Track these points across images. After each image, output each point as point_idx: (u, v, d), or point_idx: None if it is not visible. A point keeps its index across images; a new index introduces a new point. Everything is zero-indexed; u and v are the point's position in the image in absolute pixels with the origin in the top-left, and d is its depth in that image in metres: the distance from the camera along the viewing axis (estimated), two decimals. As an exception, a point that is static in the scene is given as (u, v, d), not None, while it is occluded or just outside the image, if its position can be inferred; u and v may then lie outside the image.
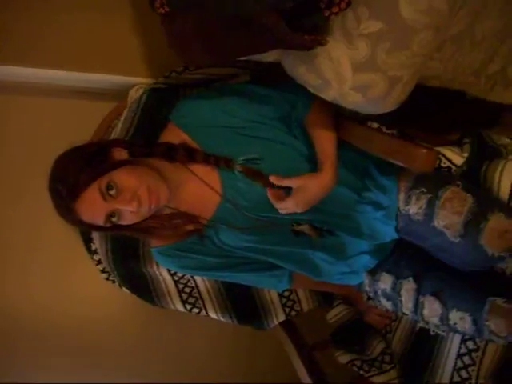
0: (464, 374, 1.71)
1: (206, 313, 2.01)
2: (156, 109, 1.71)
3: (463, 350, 1.73)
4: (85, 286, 2.08)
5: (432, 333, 1.66)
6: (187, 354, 2.50)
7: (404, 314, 1.68)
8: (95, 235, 1.86)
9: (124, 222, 1.41)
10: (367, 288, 1.76)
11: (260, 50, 1.28)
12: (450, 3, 1.13)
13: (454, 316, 1.53)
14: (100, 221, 1.38)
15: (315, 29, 1.19)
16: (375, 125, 1.54)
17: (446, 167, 1.57)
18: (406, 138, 1.54)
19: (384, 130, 1.54)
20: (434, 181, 1.54)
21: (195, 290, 2.00)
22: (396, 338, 1.97)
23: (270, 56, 1.37)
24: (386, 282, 1.68)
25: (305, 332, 2.10)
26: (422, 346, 1.85)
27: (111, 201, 1.36)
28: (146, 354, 2.37)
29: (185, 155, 1.52)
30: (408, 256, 1.69)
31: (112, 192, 1.35)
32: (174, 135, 1.56)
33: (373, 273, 1.72)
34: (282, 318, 2.06)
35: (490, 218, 1.44)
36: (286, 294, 2.07)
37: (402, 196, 1.58)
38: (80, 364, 2.19)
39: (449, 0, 1.13)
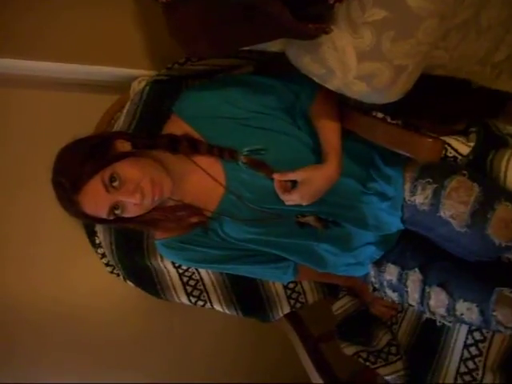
0: (471, 364, 1.71)
1: (211, 305, 2.01)
2: (159, 101, 1.70)
3: (470, 341, 1.73)
4: (87, 279, 2.07)
5: (438, 324, 1.65)
6: (191, 348, 2.49)
7: (410, 305, 1.67)
8: (99, 228, 1.86)
9: (127, 215, 1.40)
10: (373, 279, 1.75)
11: (264, 40, 1.27)
12: (455, -10, 1.13)
13: (461, 306, 1.52)
14: (103, 213, 1.37)
15: (320, 17, 1.18)
16: (380, 115, 1.53)
17: (451, 157, 1.56)
18: (411, 127, 1.53)
19: (389, 119, 1.53)
20: (440, 170, 1.53)
21: (200, 283, 1.99)
22: (402, 329, 1.97)
23: (273, 46, 1.37)
24: (391, 273, 1.68)
25: (310, 324, 2.09)
26: (429, 337, 1.85)
27: (114, 193, 1.35)
28: (150, 347, 2.37)
29: (188, 147, 1.51)
30: (414, 247, 1.69)
31: (115, 184, 1.34)
32: (177, 127, 1.55)
33: (378, 264, 1.72)
34: (287, 310, 2.06)
35: (497, 207, 1.43)
36: (291, 285, 2.07)
37: (407, 186, 1.57)
38: (83, 358, 2.18)
39: (454, -13, 1.12)
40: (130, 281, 1.93)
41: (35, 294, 1.97)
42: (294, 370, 2.20)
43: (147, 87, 1.71)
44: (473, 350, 1.71)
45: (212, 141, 1.53)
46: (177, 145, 1.51)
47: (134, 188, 1.36)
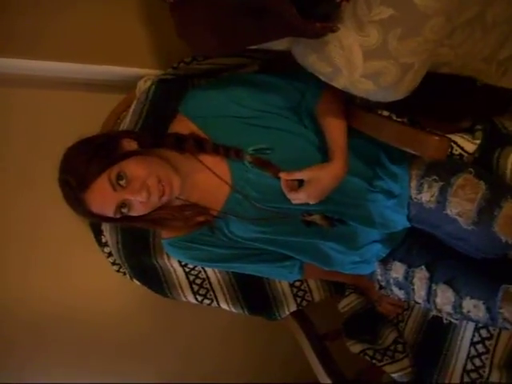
0: (477, 362, 1.71)
1: (218, 304, 2.01)
2: (165, 100, 1.71)
3: (476, 338, 1.73)
4: (93, 278, 2.07)
5: (445, 321, 1.65)
6: (198, 347, 2.49)
7: (416, 302, 1.68)
8: (105, 227, 1.86)
9: (134, 213, 1.41)
10: (379, 277, 1.75)
11: (271, 38, 1.27)
12: (461, -12, 1.13)
13: (468, 304, 1.52)
14: (110, 211, 1.38)
15: (326, 16, 1.18)
16: (386, 113, 1.53)
17: (457, 154, 1.57)
18: (417, 125, 1.53)
19: (394, 117, 1.53)
20: (446, 168, 1.53)
21: (206, 282, 2.00)
22: (408, 326, 1.97)
23: (280, 44, 1.36)
24: (398, 270, 1.68)
25: (316, 322, 2.09)
26: (435, 335, 1.85)
27: (121, 191, 1.35)
28: (156, 346, 2.37)
29: (194, 145, 1.51)
30: (420, 244, 1.69)
31: (122, 182, 1.35)
32: (183, 126, 1.55)
33: (385, 262, 1.72)
34: (293, 308, 2.06)
35: (504, 205, 1.43)
36: (297, 284, 2.07)
37: (413, 184, 1.57)
38: (89, 358, 2.19)
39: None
40: (137, 279, 1.93)
41: (36, 294, 1.97)
42: (300, 369, 2.20)
43: (153, 86, 1.71)
44: (479, 347, 1.71)
45: (218, 140, 1.53)
46: (183, 144, 1.51)
47: (141, 186, 1.36)
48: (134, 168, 1.37)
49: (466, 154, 1.56)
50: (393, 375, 1.91)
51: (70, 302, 2.04)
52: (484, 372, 1.69)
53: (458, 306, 1.55)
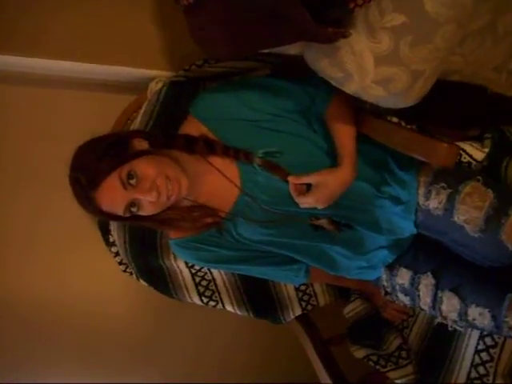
0: (482, 370, 1.71)
1: (223, 306, 2.01)
2: (176, 102, 1.71)
3: (481, 346, 1.72)
4: (97, 278, 2.09)
5: (450, 328, 1.65)
6: (203, 349, 2.50)
7: (422, 309, 1.68)
8: (113, 227, 1.87)
9: (143, 213, 1.42)
10: (385, 283, 1.75)
11: (284, 43, 1.28)
12: (474, -3, 1.13)
13: (473, 312, 1.52)
14: (120, 210, 1.38)
15: (339, 21, 1.19)
16: (395, 119, 1.54)
17: (466, 162, 1.57)
18: (426, 132, 1.54)
19: (403, 124, 1.53)
20: (455, 176, 1.53)
21: (212, 283, 2.00)
22: (413, 333, 1.96)
23: (292, 49, 1.37)
24: (403, 277, 1.68)
25: (321, 326, 2.09)
26: (440, 342, 1.85)
27: (131, 190, 1.36)
28: (162, 347, 2.38)
29: (204, 147, 1.52)
30: (426, 251, 1.69)
31: (132, 181, 1.36)
32: (193, 128, 1.56)
33: (391, 268, 1.72)
34: (298, 312, 2.06)
35: (511, 213, 1.43)
36: (303, 288, 2.07)
37: (421, 191, 1.58)
38: (94, 359, 2.20)
39: (474, -7, 1.13)
40: (143, 279, 1.94)
41: (41, 293, 1.98)
42: (305, 373, 2.20)
43: (164, 88, 1.72)
44: (484, 355, 1.71)
45: (228, 142, 1.54)
46: (193, 145, 1.52)
47: (150, 186, 1.37)
48: (145, 167, 1.38)
49: (474, 162, 1.56)
50: (396, 381, 1.91)
51: (72, 302, 2.04)
52: (488, 380, 1.68)
53: (463, 314, 1.54)
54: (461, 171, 1.55)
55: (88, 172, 1.35)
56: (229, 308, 2.02)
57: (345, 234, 1.63)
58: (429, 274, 1.62)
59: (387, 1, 1.16)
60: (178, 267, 1.96)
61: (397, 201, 1.60)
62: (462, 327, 1.63)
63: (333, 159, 1.54)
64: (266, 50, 1.38)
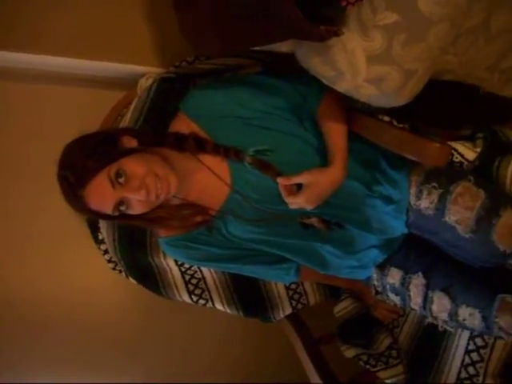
0: (471, 370, 1.71)
1: (213, 304, 2.00)
2: (166, 98, 1.70)
3: (471, 347, 1.73)
4: (88, 275, 2.07)
5: (440, 329, 1.66)
6: (193, 348, 2.49)
7: (412, 309, 1.68)
8: (102, 224, 1.85)
9: (132, 212, 1.40)
10: (375, 282, 1.75)
11: (275, 40, 1.27)
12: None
13: (464, 312, 1.52)
14: (108, 209, 1.37)
15: (331, 19, 1.18)
16: (387, 118, 1.53)
17: (458, 162, 1.56)
18: (418, 132, 1.53)
19: (395, 123, 1.52)
20: (446, 176, 1.53)
21: (202, 282, 1.99)
22: (403, 332, 1.97)
23: (283, 46, 1.36)
24: (394, 276, 1.68)
25: (311, 325, 2.09)
26: (430, 342, 1.85)
27: (120, 189, 1.35)
28: (151, 346, 2.37)
29: (194, 145, 1.51)
30: (417, 251, 1.69)
31: (121, 180, 1.34)
32: (183, 125, 1.55)
33: (381, 267, 1.72)
34: (288, 310, 2.06)
35: (503, 214, 1.43)
36: (293, 286, 2.06)
37: (413, 190, 1.58)
38: (82, 357, 2.18)
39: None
40: (132, 277, 1.93)
41: (33, 290, 1.97)
42: (295, 372, 2.20)
43: (155, 84, 1.71)
44: (474, 355, 1.71)
45: (218, 140, 1.53)
46: (183, 143, 1.51)
47: (139, 184, 1.35)
48: (134, 166, 1.37)
49: (466, 162, 1.55)
50: (386, 381, 1.91)
51: (62, 299, 2.03)
52: (478, 380, 1.68)
53: (453, 314, 1.55)
54: (452, 171, 1.55)
55: (76, 170, 1.34)
56: (219, 306, 2.01)
57: (335, 233, 1.62)
58: (420, 274, 1.62)
59: (380, -1, 1.15)
60: (168, 265, 1.95)
61: (388, 200, 1.60)
62: (452, 327, 1.63)
63: (324, 157, 1.53)
64: (257, 48, 1.37)
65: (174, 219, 1.53)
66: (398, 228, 1.64)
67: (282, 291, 2.05)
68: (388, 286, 1.70)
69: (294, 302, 2.06)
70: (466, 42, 1.31)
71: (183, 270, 1.97)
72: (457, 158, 1.56)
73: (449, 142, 1.46)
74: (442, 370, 1.79)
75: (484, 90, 1.53)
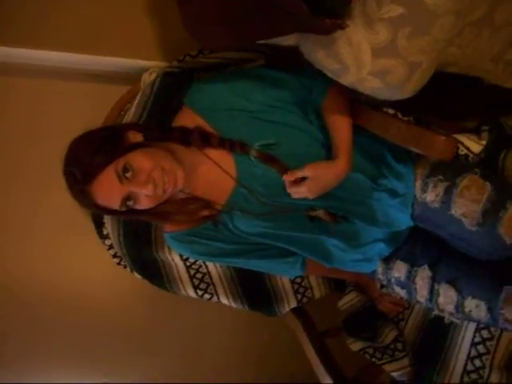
0: (478, 362, 1.71)
1: (218, 298, 2.01)
2: (169, 93, 1.70)
3: (477, 339, 1.73)
4: (93, 270, 2.09)
5: (447, 321, 1.66)
6: (199, 345, 2.50)
7: (418, 301, 1.68)
8: (107, 220, 1.85)
9: (140, 207, 1.40)
10: (380, 276, 1.75)
11: (280, 33, 1.26)
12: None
13: (470, 304, 1.52)
14: (116, 204, 1.37)
15: (336, 12, 1.18)
16: (391, 111, 1.53)
17: (463, 155, 1.56)
18: (423, 124, 1.53)
19: (400, 116, 1.52)
20: (452, 168, 1.53)
21: (207, 276, 1.99)
22: (409, 325, 1.97)
23: (288, 40, 1.36)
24: (400, 270, 1.68)
25: (316, 319, 2.09)
26: (435, 334, 1.85)
27: (127, 183, 1.34)
28: (156, 343, 2.38)
29: (200, 139, 1.50)
30: (423, 244, 1.68)
31: (128, 174, 1.34)
32: (188, 119, 1.54)
33: (387, 260, 1.72)
34: (293, 304, 2.06)
35: (509, 206, 1.43)
36: (298, 280, 2.06)
37: (418, 183, 1.58)
38: (87, 354, 2.20)
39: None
40: (137, 272, 1.93)
41: (36, 283, 1.99)
42: (301, 367, 2.20)
43: (158, 79, 1.70)
44: (480, 348, 1.71)
45: (224, 133, 1.52)
46: (188, 137, 1.51)
47: (146, 179, 1.35)
48: (140, 160, 1.36)
49: (471, 155, 1.55)
50: (392, 374, 1.91)
51: (70, 293, 2.05)
52: (484, 373, 1.69)
53: (460, 306, 1.54)
54: (458, 164, 1.55)
55: (83, 166, 1.33)
56: (224, 300, 2.01)
57: (341, 226, 1.62)
58: (425, 266, 1.61)
59: (385, -8, 1.14)
60: (173, 260, 1.95)
61: (393, 193, 1.60)
62: (458, 319, 1.63)
63: (329, 150, 1.53)
64: (262, 41, 1.37)
65: (181, 214, 1.53)
66: (404, 221, 1.64)
67: (287, 285, 2.05)
68: (393, 280, 1.70)
69: (299, 296, 2.06)
70: (470, 34, 1.31)
71: (188, 264, 1.97)
72: (462, 151, 1.55)
73: (454, 135, 1.45)
74: (448, 363, 1.79)
75: (488, 82, 1.52)
